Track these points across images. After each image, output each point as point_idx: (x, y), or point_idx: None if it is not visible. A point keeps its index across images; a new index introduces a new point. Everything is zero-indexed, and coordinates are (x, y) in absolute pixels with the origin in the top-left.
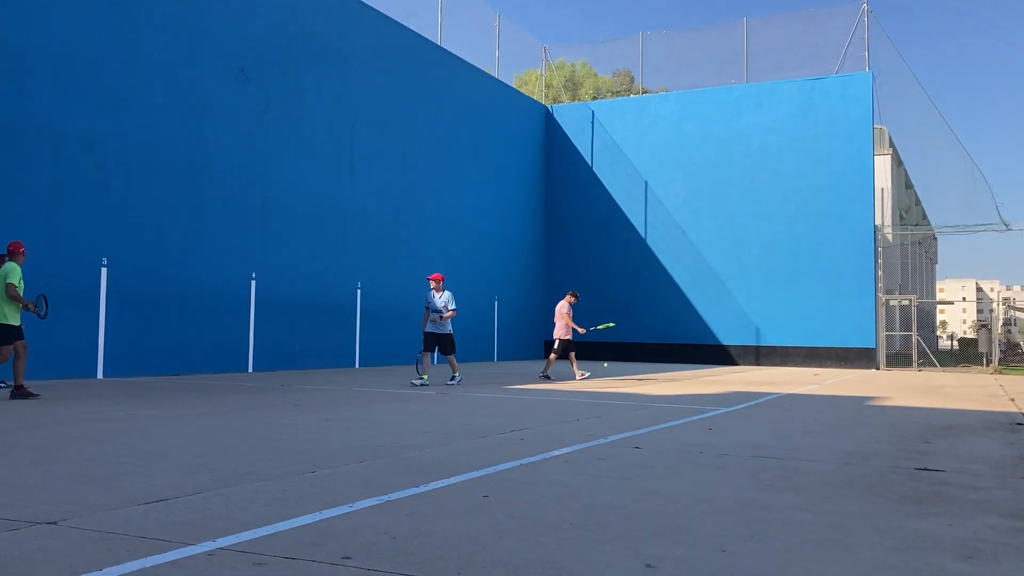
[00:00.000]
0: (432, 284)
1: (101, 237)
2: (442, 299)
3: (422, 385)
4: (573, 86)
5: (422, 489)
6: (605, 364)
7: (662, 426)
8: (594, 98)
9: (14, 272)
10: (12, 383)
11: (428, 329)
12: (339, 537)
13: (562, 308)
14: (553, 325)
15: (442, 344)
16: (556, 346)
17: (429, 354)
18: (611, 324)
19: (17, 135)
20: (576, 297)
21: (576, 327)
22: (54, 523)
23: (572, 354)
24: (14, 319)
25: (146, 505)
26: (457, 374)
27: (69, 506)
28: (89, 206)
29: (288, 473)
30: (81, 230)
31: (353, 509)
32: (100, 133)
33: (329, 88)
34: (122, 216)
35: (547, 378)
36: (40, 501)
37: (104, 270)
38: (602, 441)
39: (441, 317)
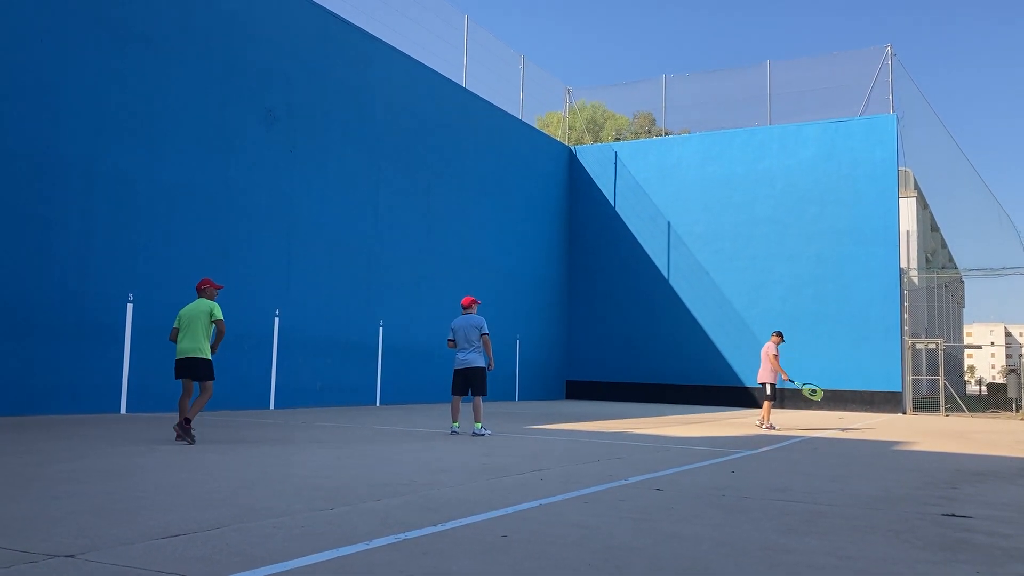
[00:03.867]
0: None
1: (128, 273)
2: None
3: (452, 433)
4: (595, 128)
5: (440, 528)
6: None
7: (683, 468)
8: (616, 139)
9: (218, 306)
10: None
11: (455, 366)
12: (356, 575)
13: (768, 350)
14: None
15: (471, 382)
16: (768, 392)
17: (458, 398)
18: (816, 392)
19: (49, 172)
20: (781, 338)
21: (782, 371)
22: (72, 556)
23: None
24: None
25: (164, 539)
26: (480, 424)
27: (87, 539)
28: (117, 242)
29: (306, 510)
30: (108, 266)
31: (370, 547)
32: (129, 171)
33: (355, 128)
34: (149, 253)
35: (771, 427)
36: (59, 534)
37: (130, 306)
38: (622, 482)
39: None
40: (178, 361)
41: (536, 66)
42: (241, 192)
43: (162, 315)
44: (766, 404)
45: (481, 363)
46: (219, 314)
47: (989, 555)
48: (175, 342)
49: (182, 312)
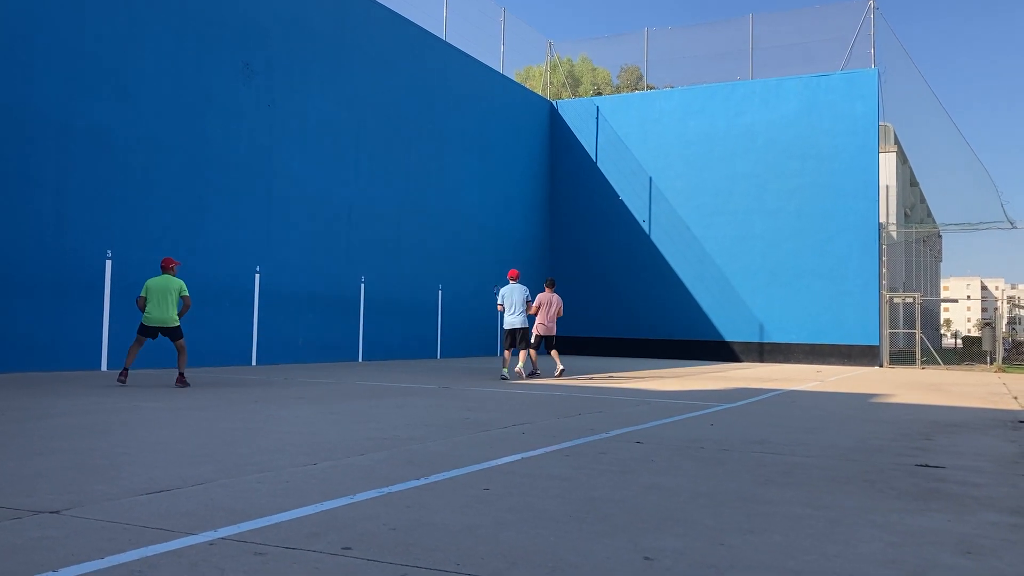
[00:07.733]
0: (511, 281)
1: (106, 229)
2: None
3: (502, 378)
4: (574, 82)
5: (423, 481)
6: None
7: (664, 421)
8: (598, 93)
9: (184, 284)
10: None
11: (506, 326)
12: (340, 528)
13: (559, 302)
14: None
15: (519, 338)
16: (533, 340)
17: (510, 351)
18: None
19: (23, 127)
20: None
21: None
22: (57, 512)
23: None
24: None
25: (148, 495)
26: (521, 365)
27: (72, 495)
28: (94, 198)
29: (290, 465)
30: (86, 222)
31: (354, 500)
32: (105, 126)
33: (334, 82)
34: (127, 209)
35: (534, 374)
36: (43, 490)
37: (109, 262)
38: (603, 436)
39: (530, 308)
40: (151, 327)
41: (517, 18)
42: (219, 147)
43: (141, 272)
44: (533, 352)
45: (527, 324)
46: (186, 291)
47: (961, 503)
48: (142, 309)
49: (151, 285)
